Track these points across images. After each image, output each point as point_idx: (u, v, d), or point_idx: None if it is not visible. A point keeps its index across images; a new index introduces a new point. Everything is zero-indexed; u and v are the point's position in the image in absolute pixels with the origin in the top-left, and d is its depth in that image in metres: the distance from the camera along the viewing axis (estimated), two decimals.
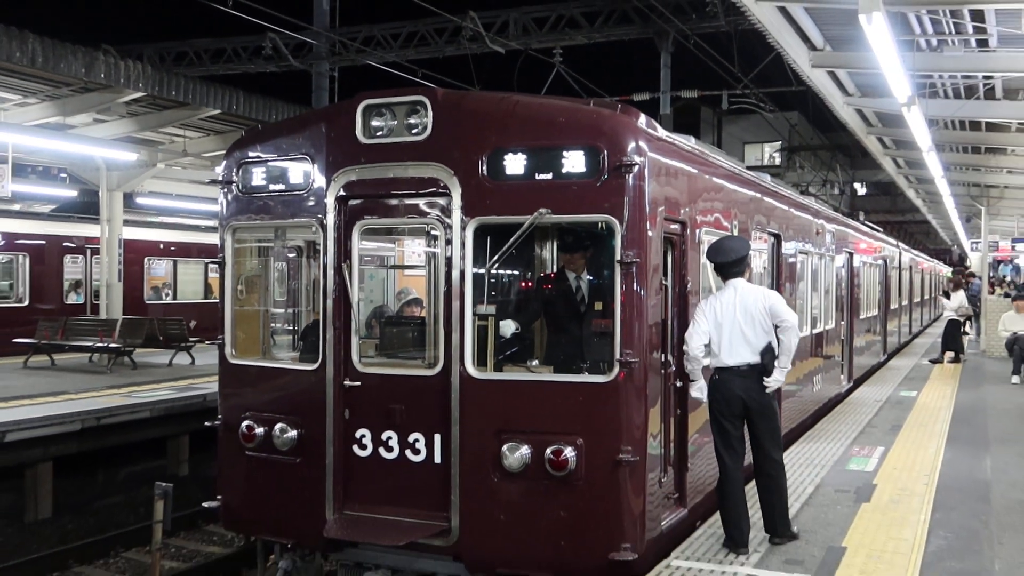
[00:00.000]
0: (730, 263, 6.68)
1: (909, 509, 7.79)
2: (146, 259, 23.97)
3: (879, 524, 7.32)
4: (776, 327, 6.53)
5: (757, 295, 6.68)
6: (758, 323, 6.50)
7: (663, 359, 6.82)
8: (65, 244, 22.01)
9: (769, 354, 6.48)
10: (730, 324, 6.49)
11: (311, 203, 7.03)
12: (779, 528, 6.70)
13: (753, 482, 6.96)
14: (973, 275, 33.15)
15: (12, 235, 20.94)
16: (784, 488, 6.82)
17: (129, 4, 62.19)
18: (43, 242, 21.54)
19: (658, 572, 6.16)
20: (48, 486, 12.37)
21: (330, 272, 6.92)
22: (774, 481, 6.68)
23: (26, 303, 20.85)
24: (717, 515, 7.49)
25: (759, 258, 9.50)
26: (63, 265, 21.99)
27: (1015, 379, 17.12)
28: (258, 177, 7.34)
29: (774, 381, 6.53)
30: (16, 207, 23.44)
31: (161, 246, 24.69)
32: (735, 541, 6.57)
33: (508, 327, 6.95)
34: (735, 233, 8.41)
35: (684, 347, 6.73)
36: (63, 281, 22.03)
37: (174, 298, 24.84)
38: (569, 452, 6.17)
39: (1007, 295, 24.92)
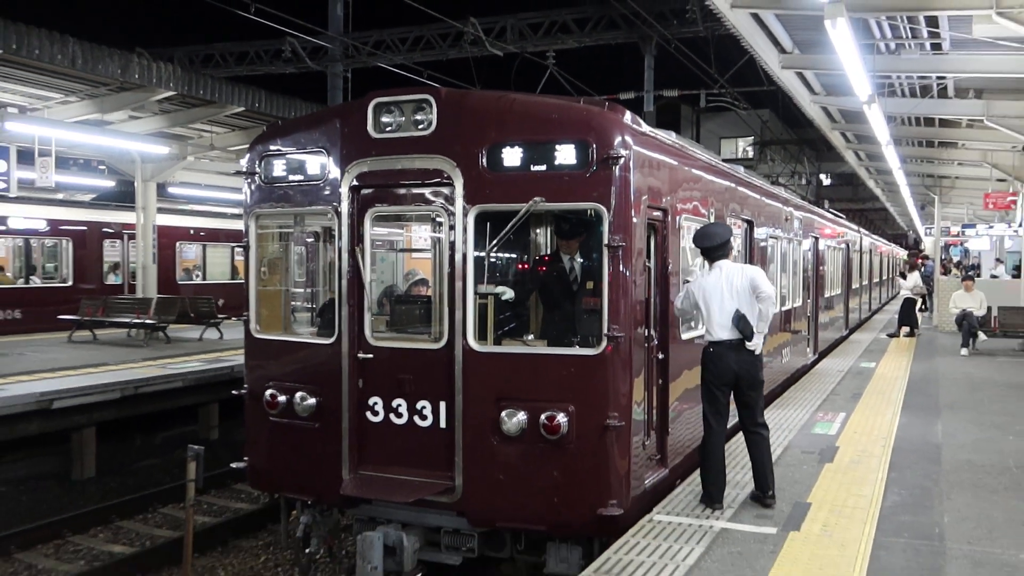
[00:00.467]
0: (716, 247, 6.68)
1: (868, 469, 7.82)
2: (178, 243, 23.94)
3: (840, 482, 7.35)
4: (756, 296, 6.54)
5: (740, 271, 6.67)
6: (744, 297, 6.47)
7: (646, 334, 6.82)
8: (104, 230, 21.95)
9: (742, 320, 6.44)
10: (719, 301, 6.47)
11: (327, 192, 7.00)
12: (770, 482, 6.68)
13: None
14: (927, 257, 33.16)
15: (57, 222, 20.89)
16: (770, 447, 6.85)
17: (161, 10, 61.76)
18: (84, 228, 21.49)
19: (641, 526, 6.18)
20: (92, 449, 12.40)
21: (345, 255, 6.90)
22: (765, 440, 6.71)
23: (70, 283, 20.85)
24: (695, 474, 7.52)
25: (733, 242, 9.48)
26: (103, 249, 21.95)
27: (964, 351, 17.18)
28: (279, 168, 7.30)
29: (754, 345, 6.52)
30: (59, 196, 23.39)
31: (191, 231, 24.66)
32: (712, 497, 6.59)
33: (506, 292, 6.96)
34: (712, 219, 8.39)
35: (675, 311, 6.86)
36: (103, 263, 22.00)
37: (203, 279, 24.81)
38: (561, 418, 6.17)
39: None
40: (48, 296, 20.16)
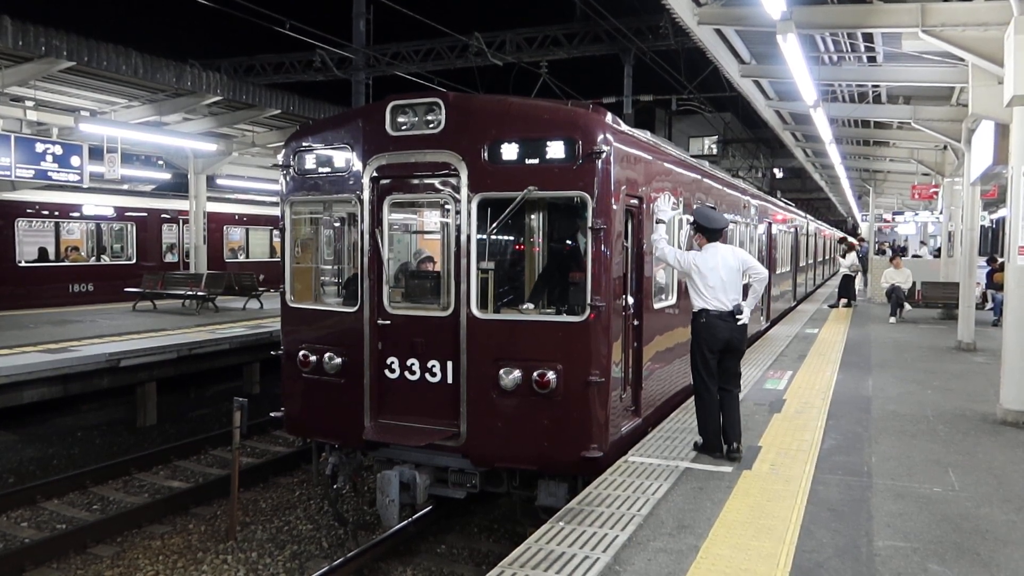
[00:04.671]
0: (716, 229, 6.47)
1: (809, 418, 7.85)
2: (225, 227, 23.88)
3: (787, 429, 7.38)
4: (749, 276, 6.36)
5: (732, 252, 6.46)
6: (736, 275, 6.28)
7: (624, 304, 6.81)
8: (162, 216, 21.86)
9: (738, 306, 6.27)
10: (714, 277, 6.24)
11: (351, 182, 6.95)
12: (739, 435, 6.43)
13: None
14: (863, 240, 33.10)
15: (123, 208, 20.84)
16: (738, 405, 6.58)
17: (209, 27, 61.20)
18: (146, 214, 21.43)
19: (618, 466, 6.21)
20: (153, 400, 12.42)
21: (366, 236, 6.87)
22: (737, 398, 6.47)
23: (134, 261, 20.81)
24: (665, 422, 7.56)
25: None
26: (161, 232, 21.86)
27: (892, 319, 17.22)
28: (310, 162, 7.24)
29: (743, 317, 6.32)
30: (125, 187, 23.35)
31: (236, 217, 24.56)
32: (713, 447, 6.37)
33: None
34: (682, 207, 8.32)
35: (662, 256, 6.59)
36: (162, 244, 21.92)
37: (247, 257, 24.75)
38: (551, 375, 6.18)
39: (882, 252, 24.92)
40: (116, 272, 20.13)
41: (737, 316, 6.30)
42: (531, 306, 6.81)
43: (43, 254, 18.94)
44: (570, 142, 6.15)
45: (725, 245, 6.61)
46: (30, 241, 18.64)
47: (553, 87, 20.51)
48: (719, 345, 6.33)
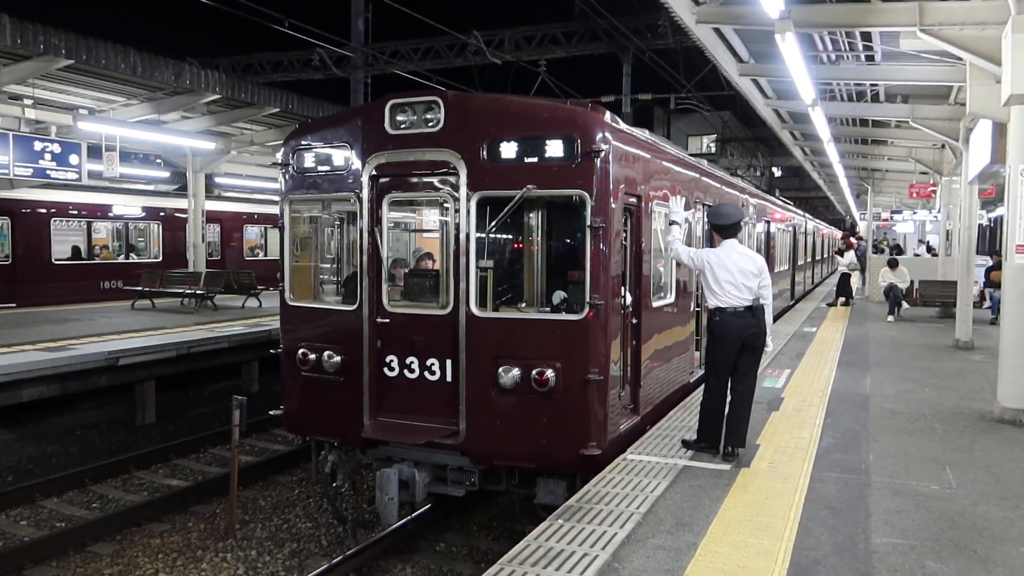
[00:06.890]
0: (728, 226, 6.29)
1: (807, 416, 7.85)
2: (244, 226, 24.17)
3: (785, 427, 7.39)
4: (760, 287, 6.22)
5: (750, 255, 6.31)
6: (749, 277, 6.14)
7: (623, 302, 6.81)
8: (186, 214, 21.98)
9: (756, 303, 6.17)
10: (726, 275, 6.11)
11: (350, 181, 6.96)
12: (741, 440, 6.29)
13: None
14: (861, 239, 33.14)
15: (149, 208, 21.36)
16: (749, 408, 6.37)
17: (208, 25, 61.17)
18: (171, 213, 21.73)
19: (617, 464, 6.21)
20: (152, 399, 12.43)
21: (365, 235, 6.88)
22: (748, 400, 6.31)
23: (160, 259, 21.08)
24: (664, 420, 7.56)
25: (698, 225, 9.46)
26: (186, 230, 21.96)
27: (890, 318, 17.24)
28: (309, 161, 7.25)
29: (768, 322, 6.26)
30: (150, 188, 23.89)
31: (255, 216, 24.91)
32: (713, 446, 6.34)
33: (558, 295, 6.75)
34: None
35: (676, 256, 6.54)
36: (186, 242, 22.03)
37: (265, 255, 24.96)
38: (550, 373, 6.19)
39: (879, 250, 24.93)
40: (144, 269, 20.22)
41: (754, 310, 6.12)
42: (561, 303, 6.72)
43: (76, 252, 19.36)
44: (569, 141, 6.15)
45: (743, 247, 6.44)
46: (63, 240, 19.19)
47: (552, 86, 20.55)
48: (735, 343, 6.16)
